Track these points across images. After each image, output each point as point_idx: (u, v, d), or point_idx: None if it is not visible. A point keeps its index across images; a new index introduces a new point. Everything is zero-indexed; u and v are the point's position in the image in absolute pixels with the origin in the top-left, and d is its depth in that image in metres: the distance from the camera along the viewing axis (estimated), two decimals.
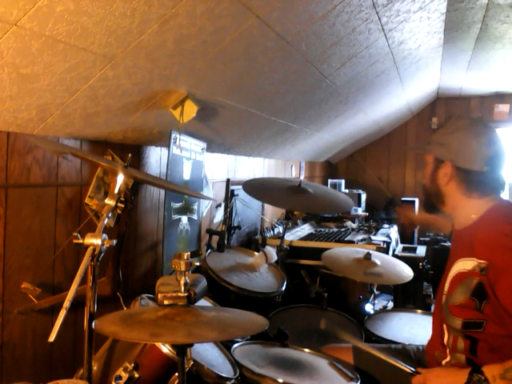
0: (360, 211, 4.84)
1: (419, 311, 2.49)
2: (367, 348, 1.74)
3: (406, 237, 4.41)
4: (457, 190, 1.62)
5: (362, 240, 3.42)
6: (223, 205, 2.94)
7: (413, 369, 1.54)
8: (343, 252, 2.70)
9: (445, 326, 1.59)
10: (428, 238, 4.46)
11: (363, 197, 5.16)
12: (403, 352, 1.87)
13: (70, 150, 1.73)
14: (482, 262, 1.44)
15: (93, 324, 1.37)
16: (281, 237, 2.92)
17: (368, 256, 2.51)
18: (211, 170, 2.91)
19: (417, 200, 5.12)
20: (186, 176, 2.36)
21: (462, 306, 1.48)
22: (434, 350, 1.66)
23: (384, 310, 3.02)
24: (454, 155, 1.60)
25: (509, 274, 1.39)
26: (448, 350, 1.57)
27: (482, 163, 1.56)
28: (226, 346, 1.74)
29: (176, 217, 2.32)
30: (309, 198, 2.55)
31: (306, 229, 3.86)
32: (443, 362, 1.59)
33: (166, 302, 1.35)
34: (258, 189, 2.60)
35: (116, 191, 1.50)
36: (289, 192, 2.57)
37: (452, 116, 1.67)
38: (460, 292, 1.49)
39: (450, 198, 1.65)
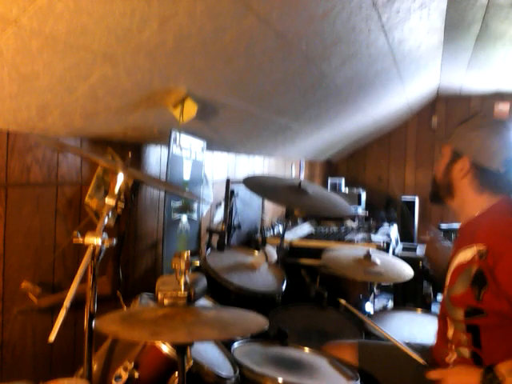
0: (360, 210, 4.84)
1: (419, 310, 2.49)
2: (373, 343, 1.73)
3: (405, 233, 4.43)
4: (470, 186, 1.63)
5: (362, 239, 3.42)
6: (223, 204, 2.94)
7: (423, 361, 1.56)
8: (343, 251, 2.70)
9: (448, 320, 1.59)
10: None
11: (363, 196, 5.16)
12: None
13: (71, 149, 1.73)
14: (481, 247, 1.46)
15: (93, 323, 1.37)
16: (281, 236, 2.92)
17: (368, 255, 2.51)
18: (211, 170, 2.91)
19: (417, 199, 5.13)
20: (186, 175, 2.36)
21: (463, 296, 1.49)
22: (440, 346, 1.66)
23: (384, 309, 3.02)
24: (474, 151, 1.61)
25: (508, 256, 1.40)
26: (452, 345, 1.57)
27: (500, 164, 1.58)
28: (226, 345, 1.74)
29: (176, 216, 2.32)
30: (308, 199, 2.55)
31: (305, 228, 3.86)
32: (447, 359, 1.59)
33: (166, 302, 1.35)
34: (259, 186, 2.60)
35: (116, 190, 1.50)
36: (289, 192, 2.57)
37: (478, 112, 1.67)
38: (461, 282, 1.51)
39: (461, 193, 1.66)
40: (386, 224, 4.24)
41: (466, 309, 1.49)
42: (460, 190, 1.66)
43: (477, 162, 1.60)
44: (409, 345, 1.91)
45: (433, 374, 1.50)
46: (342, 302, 1.98)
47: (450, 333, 1.59)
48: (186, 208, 2.42)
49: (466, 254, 1.52)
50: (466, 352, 1.53)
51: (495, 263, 1.42)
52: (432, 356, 1.73)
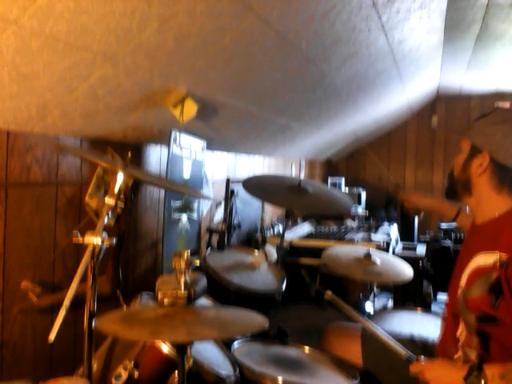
0: (360, 210, 4.84)
1: (419, 309, 2.49)
2: (374, 330, 1.70)
3: (405, 233, 4.43)
4: (488, 183, 1.56)
5: (362, 239, 3.42)
6: (223, 204, 2.94)
7: (413, 356, 1.54)
8: (343, 251, 2.70)
9: (460, 320, 1.56)
10: (428, 236, 4.48)
11: (363, 195, 5.16)
12: (410, 343, 1.85)
13: (70, 149, 1.73)
14: (503, 255, 1.40)
15: (93, 322, 1.37)
16: (281, 236, 2.92)
17: (368, 255, 2.51)
18: (211, 169, 2.91)
19: None
20: (186, 175, 2.36)
21: (479, 301, 1.44)
22: (446, 345, 1.64)
23: (384, 309, 3.03)
24: (494, 147, 1.54)
25: None
26: (460, 344, 1.55)
27: None
28: (226, 344, 1.74)
29: (176, 215, 2.32)
30: (309, 198, 2.55)
31: (305, 227, 3.87)
32: (455, 357, 1.56)
33: (166, 301, 1.35)
34: (258, 187, 2.60)
35: (116, 190, 1.50)
36: (289, 191, 2.57)
37: (496, 108, 1.59)
38: (478, 286, 1.45)
39: (478, 190, 1.60)
40: (386, 223, 4.24)
41: (478, 314, 1.44)
42: (478, 187, 1.59)
43: (496, 159, 1.53)
44: (412, 338, 1.90)
45: (413, 368, 1.49)
46: (329, 293, 1.86)
47: (460, 332, 1.55)
48: (186, 207, 2.42)
49: (486, 258, 1.46)
50: (472, 354, 1.49)
51: None
52: (437, 354, 1.72)
